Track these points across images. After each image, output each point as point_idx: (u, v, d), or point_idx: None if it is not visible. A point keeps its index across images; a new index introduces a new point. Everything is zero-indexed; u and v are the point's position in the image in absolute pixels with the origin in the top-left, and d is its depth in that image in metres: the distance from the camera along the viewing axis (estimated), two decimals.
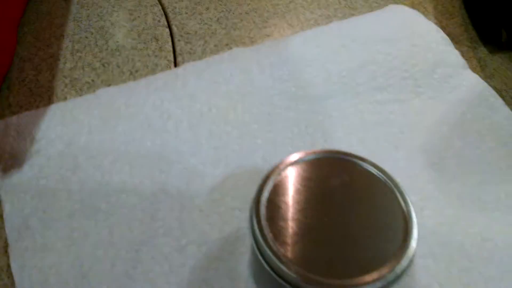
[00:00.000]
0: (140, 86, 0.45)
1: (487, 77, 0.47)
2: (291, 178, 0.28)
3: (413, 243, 0.26)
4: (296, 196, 0.27)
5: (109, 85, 0.46)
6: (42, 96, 0.45)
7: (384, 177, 0.28)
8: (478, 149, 0.41)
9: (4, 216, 0.36)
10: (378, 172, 0.29)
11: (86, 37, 0.51)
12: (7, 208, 0.37)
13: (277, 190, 0.28)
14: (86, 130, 0.41)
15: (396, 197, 0.28)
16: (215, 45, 0.50)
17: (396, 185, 0.28)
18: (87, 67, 0.48)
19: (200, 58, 0.48)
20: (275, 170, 0.29)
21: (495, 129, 0.42)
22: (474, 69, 0.48)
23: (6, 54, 0.47)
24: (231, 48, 0.49)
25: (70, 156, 0.39)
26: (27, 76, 0.47)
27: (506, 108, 0.44)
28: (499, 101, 0.44)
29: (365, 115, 0.43)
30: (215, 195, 0.37)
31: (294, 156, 0.29)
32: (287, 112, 0.43)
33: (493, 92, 0.45)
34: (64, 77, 0.47)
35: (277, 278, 0.26)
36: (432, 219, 0.36)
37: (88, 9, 0.54)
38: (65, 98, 0.45)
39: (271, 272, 0.26)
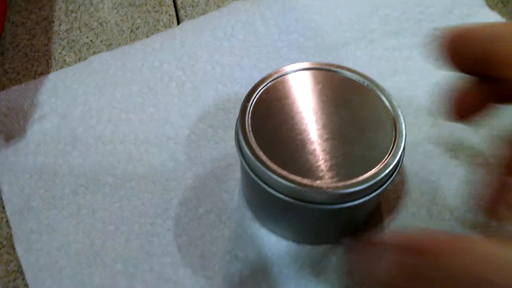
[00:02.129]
0: (135, 49, 0.41)
1: (509, 13, 0.44)
2: (278, 90, 0.29)
3: (402, 143, 0.26)
4: (281, 108, 0.28)
5: (109, 45, 0.42)
6: (39, 61, 0.42)
7: (372, 85, 0.29)
8: None
9: (4, 198, 0.33)
10: (365, 80, 0.29)
11: None
12: (5, 189, 0.34)
13: (263, 102, 0.28)
14: (82, 100, 0.38)
15: (384, 102, 0.28)
16: None
17: (382, 91, 0.29)
18: (84, 28, 0.44)
19: (203, 11, 0.45)
20: (263, 80, 0.29)
21: None
22: (495, 6, 0.44)
23: None
24: None
25: (67, 129, 0.36)
26: (21, 41, 0.43)
27: None
28: None
29: (381, 63, 0.40)
30: (230, 160, 0.34)
31: (281, 70, 0.29)
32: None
33: None
34: (60, 39, 0.43)
35: (265, 187, 0.26)
36: (463, 168, 0.34)
37: None
38: (64, 61, 0.41)
39: (254, 177, 0.26)
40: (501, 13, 0.44)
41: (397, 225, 0.31)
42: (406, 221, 0.31)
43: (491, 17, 0.43)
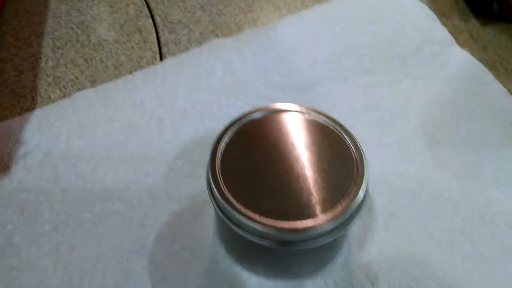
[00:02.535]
0: (118, 86, 0.43)
1: (480, 50, 0.46)
2: (247, 132, 0.30)
3: (363, 185, 0.27)
4: (250, 149, 0.29)
5: (93, 81, 0.44)
6: (25, 97, 0.43)
7: (338, 127, 0.30)
8: (472, 128, 0.39)
9: None
10: (331, 122, 0.31)
11: (67, 33, 0.49)
12: None
13: (233, 145, 0.30)
14: (65, 137, 0.39)
15: (348, 145, 0.29)
16: (201, 33, 0.48)
17: (347, 133, 0.30)
18: (70, 64, 0.46)
19: (186, 47, 0.47)
20: (233, 123, 0.30)
21: (487, 105, 0.41)
22: (466, 42, 0.47)
23: None
24: (217, 35, 0.47)
25: (50, 166, 0.38)
26: (8, 78, 0.45)
27: (497, 83, 0.43)
28: (490, 76, 0.43)
29: (355, 100, 0.41)
30: (206, 196, 0.36)
31: (251, 112, 0.31)
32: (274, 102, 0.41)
33: (483, 68, 0.44)
34: (47, 75, 0.45)
35: (231, 225, 0.27)
36: (430, 204, 0.35)
37: (67, 4, 0.52)
38: (49, 97, 0.43)
39: (224, 218, 0.27)
40: (471, 50, 0.46)
41: (363, 260, 0.32)
42: (373, 256, 0.33)
43: (462, 55, 0.45)
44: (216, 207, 0.28)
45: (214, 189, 0.27)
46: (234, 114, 0.40)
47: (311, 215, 0.26)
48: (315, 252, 0.29)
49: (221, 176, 0.28)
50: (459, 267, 0.32)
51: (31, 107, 0.43)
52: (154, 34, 0.49)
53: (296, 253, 0.29)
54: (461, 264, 0.32)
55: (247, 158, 0.29)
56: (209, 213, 0.35)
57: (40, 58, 0.47)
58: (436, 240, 0.33)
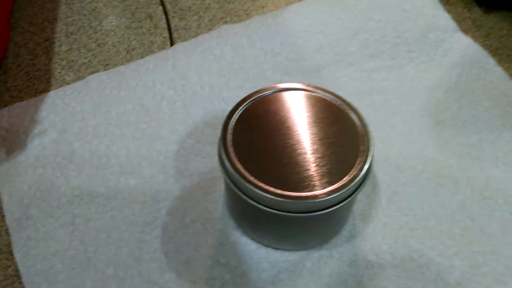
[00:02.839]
0: (130, 69, 0.44)
1: (483, 37, 0.47)
2: (257, 109, 0.31)
3: (369, 158, 0.29)
4: (260, 125, 0.31)
5: (106, 65, 0.45)
6: (40, 79, 0.45)
7: (344, 105, 0.31)
8: (474, 110, 0.41)
9: (4, 207, 0.36)
10: (338, 100, 0.32)
11: (80, 19, 0.50)
12: (5, 199, 0.36)
13: (243, 121, 0.31)
14: (79, 117, 0.41)
15: (354, 121, 0.31)
16: (210, 20, 0.49)
17: (354, 110, 0.31)
18: (83, 49, 0.47)
19: (195, 33, 0.48)
20: (244, 100, 0.32)
21: (489, 89, 0.42)
22: (469, 29, 0.48)
23: (2, 39, 0.47)
24: (226, 22, 0.49)
25: (65, 144, 0.39)
26: (23, 61, 0.46)
27: (498, 68, 0.44)
28: (491, 62, 0.44)
29: (359, 83, 0.43)
30: (215, 173, 0.37)
31: (260, 90, 0.32)
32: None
33: (485, 53, 0.45)
34: (60, 59, 0.46)
35: (241, 195, 0.29)
36: (432, 181, 0.36)
37: None
38: (64, 80, 0.44)
39: (234, 189, 0.29)
40: (474, 37, 0.47)
41: (367, 233, 0.34)
42: (376, 229, 0.34)
43: (464, 41, 0.46)
44: (226, 177, 0.29)
45: (226, 160, 0.29)
46: (242, 96, 0.42)
47: (318, 186, 0.28)
48: (322, 223, 0.31)
49: (232, 149, 0.29)
50: (459, 240, 0.33)
51: (46, 89, 0.44)
52: (164, 21, 0.50)
53: (302, 223, 0.30)
54: (461, 237, 0.33)
55: (257, 133, 0.30)
56: (219, 189, 0.36)
57: (54, 42, 0.48)
58: (437, 214, 0.34)
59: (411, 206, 0.35)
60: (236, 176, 0.28)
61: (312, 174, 0.28)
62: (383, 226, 0.34)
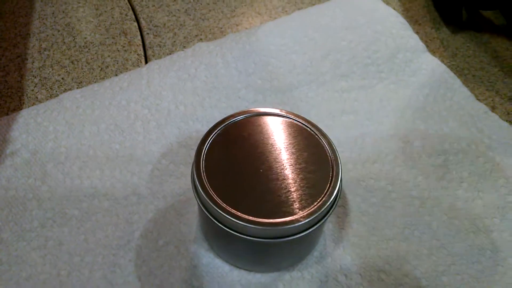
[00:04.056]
0: (104, 87, 0.44)
1: (450, 57, 0.49)
2: (230, 134, 0.32)
3: (337, 183, 0.30)
4: (232, 150, 0.31)
5: (80, 82, 0.45)
6: (12, 97, 0.44)
7: (314, 130, 0.32)
8: (441, 130, 0.42)
9: None
10: (308, 125, 0.33)
11: (53, 35, 0.50)
12: None
13: (216, 146, 0.31)
14: (52, 137, 0.41)
15: (324, 146, 0.32)
16: (185, 37, 0.49)
17: (323, 135, 0.32)
18: (56, 65, 0.47)
19: (170, 51, 0.48)
20: (216, 125, 0.32)
21: (455, 110, 0.44)
22: (437, 50, 0.49)
23: None
24: (201, 39, 0.49)
25: (37, 165, 0.39)
26: None
27: (464, 89, 0.45)
28: (458, 82, 0.46)
29: (331, 103, 0.44)
30: (189, 194, 0.37)
31: (233, 115, 0.33)
32: (254, 104, 0.43)
33: (452, 74, 0.46)
34: (33, 76, 0.46)
35: (214, 221, 0.29)
36: (400, 201, 0.37)
37: (53, 6, 0.53)
38: (36, 98, 0.44)
39: (207, 214, 0.29)
40: (442, 57, 0.49)
41: (337, 254, 0.35)
42: (346, 250, 0.35)
43: (432, 61, 0.48)
44: (200, 203, 0.30)
45: (199, 186, 0.29)
46: (216, 115, 0.42)
47: (289, 212, 0.28)
48: (293, 246, 0.32)
49: (205, 175, 0.30)
50: (425, 260, 0.34)
51: (18, 107, 0.44)
52: (139, 37, 0.50)
53: (274, 247, 0.31)
54: (428, 258, 0.35)
55: (229, 158, 0.31)
56: (193, 210, 0.37)
57: (26, 59, 0.48)
58: (405, 235, 0.36)
59: (379, 226, 0.36)
60: (210, 203, 0.29)
61: (283, 200, 0.29)
62: (352, 247, 0.35)
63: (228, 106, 0.43)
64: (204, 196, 0.29)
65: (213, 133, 0.32)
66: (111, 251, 0.35)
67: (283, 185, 0.30)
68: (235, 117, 0.33)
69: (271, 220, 0.28)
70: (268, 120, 0.33)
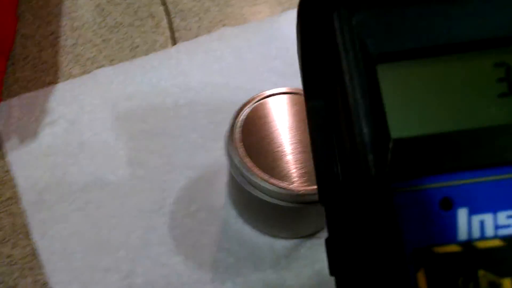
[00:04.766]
0: (135, 65, 0.47)
1: None
2: (260, 110, 0.34)
3: None
4: (264, 124, 0.34)
5: (111, 60, 0.48)
6: (48, 72, 0.47)
7: None
8: None
9: (19, 191, 0.38)
10: None
11: (84, 15, 0.52)
12: (21, 183, 0.38)
13: (248, 119, 0.34)
14: (88, 109, 0.43)
15: None
16: (210, 22, 0.52)
17: None
18: (88, 44, 0.49)
19: (196, 34, 0.51)
20: (248, 102, 0.35)
21: None
22: None
23: (10, 30, 0.48)
24: (225, 24, 0.52)
25: (75, 134, 0.42)
26: (30, 53, 0.48)
27: None
28: None
29: None
30: (218, 167, 0.40)
31: (262, 94, 0.35)
32: (276, 87, 0.46)
33: None
34: (66, 53, 0.48)
35: (249, 189, 0.32)
36: None
37: None
38: (70, 73, 0.46)
39: (241, 181, 0.32)
40: None
41: None
42: None
43: None
44: (233, 170, 0.33)
45: (234, 155, 0.32)
46: (241, 96, 0.45)
47: (314, 180, 0.31)
48: (316, 212, 0.35)
49: (240, 145, 0.33)
50: None
51: (53, 81, 0.46)
52: (166, 21, 0.53)
53: (300, 213, 0.34)
54: None
55: (260, 132, 0.34)
56: (221, 181, 0.40)
57: (60, 36, 0.50)
58: None
59: None
60: (243, 169, 0.32)
61: (310, 170, 0.32)
62: None
63: (252, 88, 0.46)
64: (239, 163, 0.32)
65: (245, 109, 0.35)
66: (146, 215, 0.38)
67: (309, 157, 0.33)
68: (264, 95, 0.36)
69: (299, 187, 0.31)
70: (295, 98, 0.36)
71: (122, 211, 0.38)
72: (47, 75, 0.47)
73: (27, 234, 0.37)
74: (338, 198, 0.18)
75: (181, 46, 0.49)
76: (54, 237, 0.36)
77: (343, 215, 0.18)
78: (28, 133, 0.42)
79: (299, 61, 0.20)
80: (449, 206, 0.16)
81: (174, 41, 0.51)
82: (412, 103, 0.17)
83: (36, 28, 0.51)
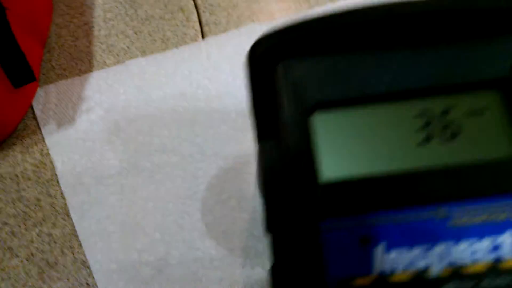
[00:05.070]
0: (167, 57, 0.49)
1: None
2: None
3: None
4: None
5: (143, 51, 0.49)
6: (83, 60, 0.48)
7: None
8: None
9: (58, 174, 0.40)
10: None
11: (116, 7, 0.53)
12: (59, 167, 0.40)
13: None
14: (123, 98, 0.45)
15: None
16: (238, 17, 0.54)
17: None
18: (121, 35, 0.51)
19: (225, 28, 0.52)
20: None
21: None
22: None
23: (46, 19, 0.50)
24: (253, 20, 0.53)
25: (111, 121, 0.43)
26: (65, 42, 0.50)
27: None
28: None
29: None
30: (248, 158, 0.42)
31: None
32: None
33: None
34: (100, 43, 0.50)
35: None
36: None
37: None
38: (104, 63, 0.48)
39: None
40: None
41: None
42: None
43: None
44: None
45: None
46: None
47: None
48: None
49: None
50: None
51: (88, 70, 0.48)
52: (195, 14, 0.54)
53: None
54: None
55: None
56: (250, 171, 0.41)
57: (93, 27, 0.52)
58: None
59: None
60: None
61: None
62: None
63: None
64: None
65: None
66: (180, 200, 0.39)
67: None
68: None
69: None
70: None
71: (157, 196, 0.39)
72: (82, 63, 0.48)
73: (66, 215, 0.38)
74: (281, 230, 0.20)
75: (211, 39, 0.50)
76: (92, 218, 0.38)
77: (284, 246, 0.20)
78: (65, 119, 0.43)
79: (250, 106, 0.23)
80: (368, 242, 0.18)
81: (203, 35, 0.52)
82: (340, 149, 0.19)
83: (70, 18, 0.52)
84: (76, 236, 0.37)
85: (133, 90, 0.45)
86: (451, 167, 0.19)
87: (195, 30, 0.53)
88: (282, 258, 0.19)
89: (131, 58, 0.49)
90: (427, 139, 0.19)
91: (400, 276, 0.18)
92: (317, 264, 0.18)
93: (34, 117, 0.44)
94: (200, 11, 0.55)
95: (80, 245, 0.37)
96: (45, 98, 0.44)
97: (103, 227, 0.37)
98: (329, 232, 0.18)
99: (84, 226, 0.37)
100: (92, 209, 0.38)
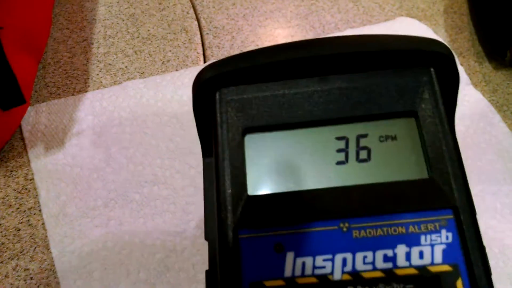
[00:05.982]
0: (166, 80, 0.47)
1: (491, 92, 0.51)
2: None
3: None
4: None
5: (142, 72, 0.48)
6: (78, 79, 0.46)
7: None
8: (479, 162, 0.45)
9: (41, 201, 0.38)
10: None
11: (118, 23, 0.52)
12: (43, 195, 0.38)
13: None
14: (117, 122, 0.43)
15: None
16: (242, 41, 0.52)
17: None
18: (120, 53, 0.49)
19: (228, 53, 0.50)
20: None
21: (493, 144, 0.46)
22: (479, 83, 0.52)
23: (44, 32, 0.48)
24: (257, 45, 0.51)
25: (102, 147, 0.41)
26: (62, 58, 0.48)
27: (503, 124, 0.48)
28: (497, 117, 0.48)
29: None
30: None
31: None
32: None
33: (492, 109, 0.49)
34: (98, 61, 0.48)
35: None
36: None
37: None
38: (101, 82, 0.46)
39: None
40: (482, 91, 0.51)
41: None
42: None
43: (475, 94, 0.50)
44: None
45: None
46: None
47: None
48: None
49: None
50: None
51: (83, 89, 0.46)
52: (198, 36, 0.52)
53: None
54: None
55: None
56: None
57: (92, 43, 0.50)
58: None
59: None
60: None
61: None
62: None
63: None
64: None
65: None
66: (169, 237, 0.37)
67: None
68: None
69: None
70: None
71: (145, 231, 0.37)
72: (77, 82, 0.46)
73: (46, 248, 0.36)
74: (212, 239, 0.23)
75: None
76: (73, 254, 0.35)
77: (213, 252, 0.22)
78: (54, 142, 0.41)
79: (197, 128, 0.26)
80: (281, 249, 0.21)
81: (205, 59, 0.50)
82: (265, 167, 0.22)
83: (69, 33, 0.51)
84: (54, 273, 0.35)
85: (128, 114, 0.43)
86: (361, 186, 0.22)
87: (197, 52, 0.51)
88: (212, 263, 0.22)
89: (128, 78, 0.47)
90: (346, 159, 0.22)
91: (307, 279, 0.20)
92: (234, 268, 0.20)
93: (22, 138, 0.42)
94: (204, 33, 0.53)
95: (58, 283, 0.34)
96: (35, 118, 0.42)
97: (84, 264, 0.35)
98: (248, 240, 0.21)
99: (63, 261, 0.35)
100: (74, 243, 0.36)
